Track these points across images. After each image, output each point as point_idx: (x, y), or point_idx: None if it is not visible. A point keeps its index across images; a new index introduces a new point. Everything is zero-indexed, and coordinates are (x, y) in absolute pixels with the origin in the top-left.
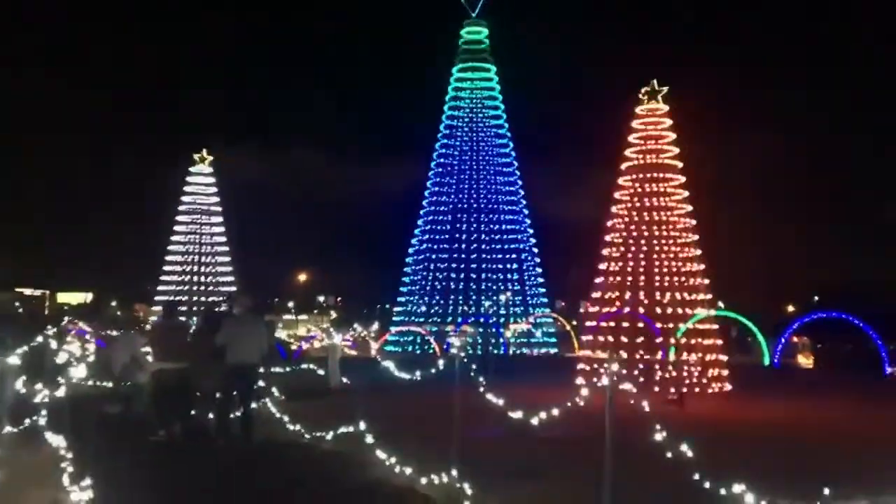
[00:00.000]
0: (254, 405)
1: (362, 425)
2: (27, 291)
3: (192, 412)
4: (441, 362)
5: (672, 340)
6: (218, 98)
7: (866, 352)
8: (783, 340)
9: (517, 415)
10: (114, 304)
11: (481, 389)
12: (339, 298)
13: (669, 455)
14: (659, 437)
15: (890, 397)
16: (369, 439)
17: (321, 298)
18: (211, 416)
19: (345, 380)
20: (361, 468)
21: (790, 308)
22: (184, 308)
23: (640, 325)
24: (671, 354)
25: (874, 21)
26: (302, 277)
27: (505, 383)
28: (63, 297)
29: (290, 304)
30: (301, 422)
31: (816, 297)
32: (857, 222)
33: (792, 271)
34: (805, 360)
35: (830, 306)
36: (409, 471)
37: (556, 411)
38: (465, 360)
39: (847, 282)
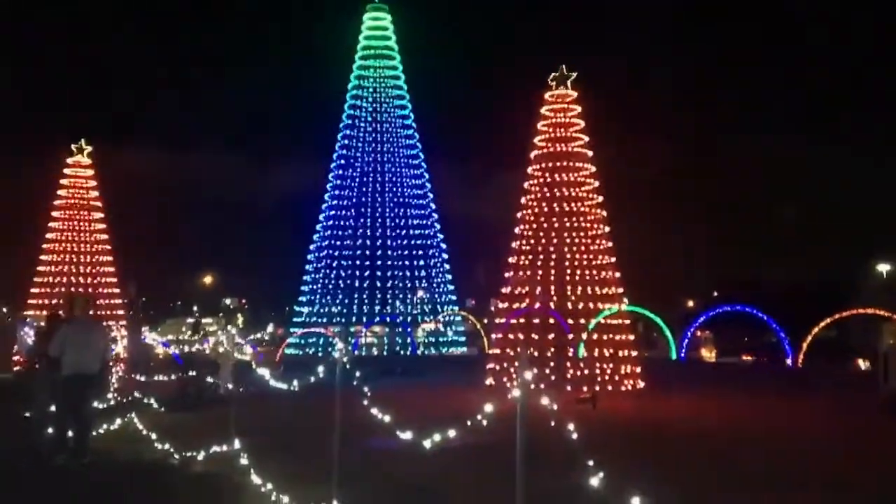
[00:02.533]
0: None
1: (237, 444)
2: None
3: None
4: (321, 369)
5: (583, 336)
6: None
7: (767, 345)
8: (689, 334)
9: (406, 435)
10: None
11: (365, 402)
12: (243, 301)
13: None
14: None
15: (796, 389)
16: (244, 460)
17: (227, 301)
18: (49, 431)
19: (230, 386)
20: (233, 495)
21: (690, 303)
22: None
23: (551, 321)
24: (581, 351)
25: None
26: (207, 280)
27: (411, 386)
28: None
29: (195, 308)
30: (172, 439)
31: (715, 293)
32: (754, 220)
33: (691, 267)
34: (708, 354)
35: (729, 301)
36: (286, 500)
37: (451, 432)
38: (348, 365)
39: (744, 278)
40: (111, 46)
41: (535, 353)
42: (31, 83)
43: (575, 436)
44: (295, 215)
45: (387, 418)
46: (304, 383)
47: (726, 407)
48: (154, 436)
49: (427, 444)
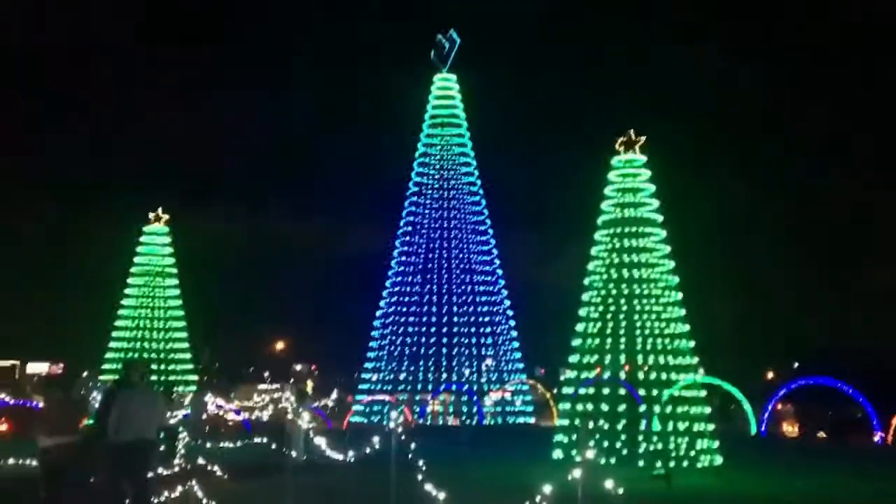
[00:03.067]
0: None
1: None
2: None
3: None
4: (376, 439)
5: (656, 409)
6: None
7: (852, 419)
8: (769, 408)
9: None
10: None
11: (420, 477)
12: (313, 367)
13: None
14: None
15: (885, 465)
16: None
17: (297, 367)
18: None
19: (330, 454)
20: None
21: (770, 374)
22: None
23: (622, 391)
24: (655, 424)
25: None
26: (279, 346)
27: (473, 457)
28: (32, 368)
29: (266, 374)
30: None
31: (796, 364)
32: (834, 285)
33: (769, 335)
34: (790, 429)
35: (810, 373)
36: None
37: None
38: (403, 437)
39: (825, 347)
40: (188, 113)
41: (606, 426)
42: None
43: None
44: (363, 282)
45: (441, 496)
46: (360, 454)
47: (810, 486)
48: None
49: None
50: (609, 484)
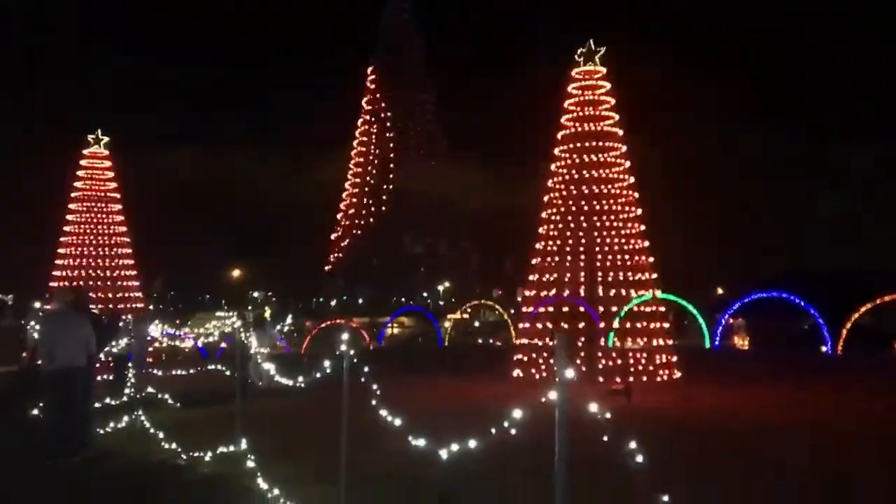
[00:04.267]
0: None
1: (243, 444)
2: None
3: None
4: (327, 363)
5: (615, 325)
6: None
7: (801, 331)
8: (723, 321)
9: (419, 442)
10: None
11: (373, 402)
12: (270, 293)
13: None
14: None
15: (837, 377)
16: (250, 463)
17: (255, 294)
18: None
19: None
20: (237, 500)
21: (719, 290)
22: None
23: (581, 309)
24: (612, 340)
25: None
26: (235, 273)
27: (432, 378)
28: None
29: (223, 302)
30: (181, 438)
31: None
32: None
33: (720, 253)
34: (741, 342)
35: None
36: None
37: (472, 442)
38: (356, 360)
39: (776, 265)
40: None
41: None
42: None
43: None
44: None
45: (398, 422)
46: (310, 379)
47: (768, 398)
48: (161, 434)
49: (444, 453)
50: (593, 407)
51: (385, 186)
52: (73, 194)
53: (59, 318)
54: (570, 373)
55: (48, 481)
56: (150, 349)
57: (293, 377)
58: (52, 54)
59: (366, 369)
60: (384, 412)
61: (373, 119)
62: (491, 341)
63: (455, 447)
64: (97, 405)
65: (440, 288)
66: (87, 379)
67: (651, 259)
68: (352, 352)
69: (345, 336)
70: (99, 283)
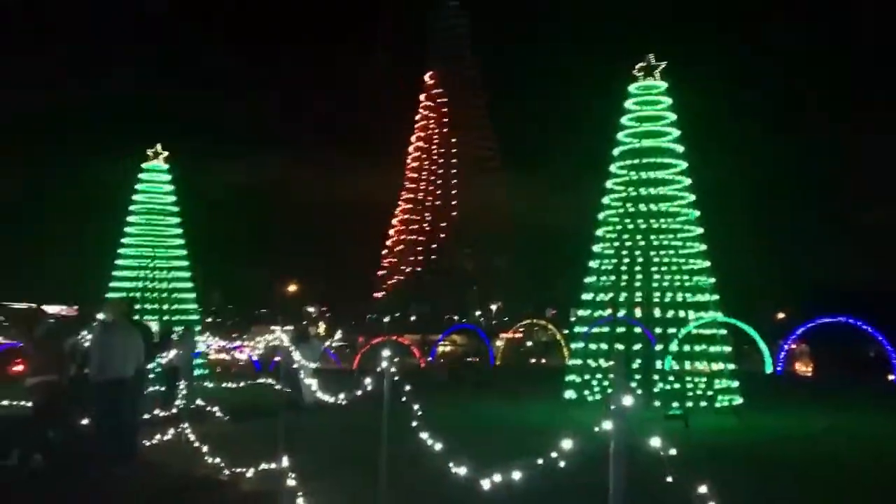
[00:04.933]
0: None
1: (285, 461)
2: (15, 305)
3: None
4: (368, 381)
5: (673, 347)
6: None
7: (867, 358)
8: (786, 347)
9: (460, 470)
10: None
11: (414, 424)
12: (324, 308)
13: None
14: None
15: None
16: (291, 481)
17: (310, 309)
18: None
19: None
20: None
21: (780, 315)
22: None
23: (637, 330)
24: (669, 363)
25: None
26: (291, 288)
27: (482, 398)
28: (48, 310)
29: (279, 317)
30: (225, 452)
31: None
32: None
33: (780, 275)
34: (804, 368)
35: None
36: None
37: (516, 474)
38: (397, 378)
39: (834, 289)
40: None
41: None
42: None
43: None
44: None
45: (438, 446)
46: (351, 396)
47: (834, 427)
48: (206, 448)
49: (486, 483)
50: (655, 442)
51: (439, 202)
52: (131, 207)
53: (109, 328)
54: (628, 400)
55: (91, 492)
56: (201, 361)
57: (335, 394)
58: (114, 68)
59: (407, 388)
60: (424, 434)
61: (428, 133)
62: (543, 361)
63: (498, 478)
64: (146, 416)
65: (493, 307)
66: (136, 390)
67: (712, 280)
68: (393, 369)
69: (385, 353)
70: (155, 295)
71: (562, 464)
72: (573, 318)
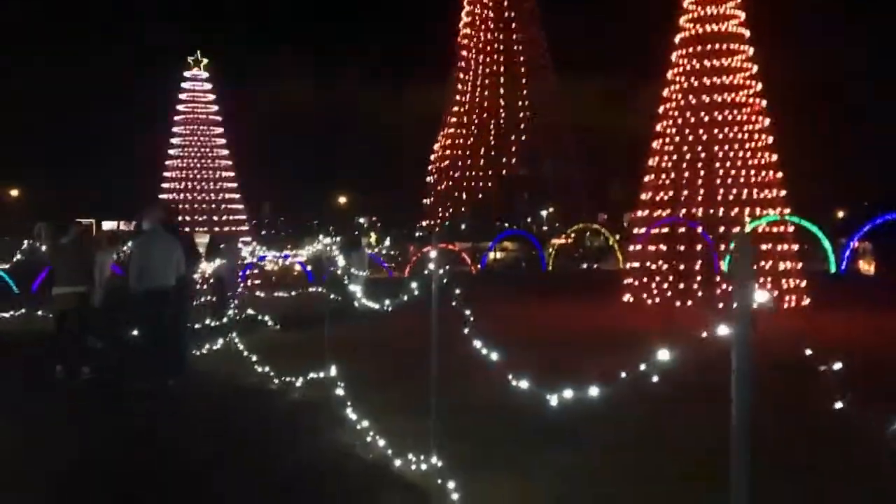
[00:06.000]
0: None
1: (332, 370)
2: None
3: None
4: (414, 285)
5: (732, 247)
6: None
7: None
8: (851, 245)
9: (521, 383)
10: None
11: (466, 331)
12: (374, 218)
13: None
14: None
15: None
16: (339, 391)
17: (361, 220)
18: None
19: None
20: (328, 428)
21: (840, 213)
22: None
23: (700, 229)
24: (725, 265)
25: None
26: (342, 200)
27: (536, 303)
28: (106, 226)
29: (331, 228)
30: (274, 361)
31: (866, 203)
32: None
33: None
34: (866, 267)
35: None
36: (381, 443)
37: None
38: (446, 281)
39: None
40: None
41: (681, 267)
42: None
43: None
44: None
45: (494, 356)
46: (397, 302)
47: None
48: (255, 357)
49: (553, 399)
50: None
51: (487, 105)
52: (176, 118)
53: (148, 237)
54: (762, 296)
55: (140, 402)
56: (249, 271)
57: (382, 300)
58: None
59: (457, 291)
60: (478, 343)
61: (474, 33)
62: (596, 266)
63: (569, 393)
64: (197, 326)
65: (543, 213)
66: (181, 300)
67: (780, 175)
68: (441, 271)
69: (433, 254)
70: (203, 206)
71: (654, 378)
72: (626, 223)
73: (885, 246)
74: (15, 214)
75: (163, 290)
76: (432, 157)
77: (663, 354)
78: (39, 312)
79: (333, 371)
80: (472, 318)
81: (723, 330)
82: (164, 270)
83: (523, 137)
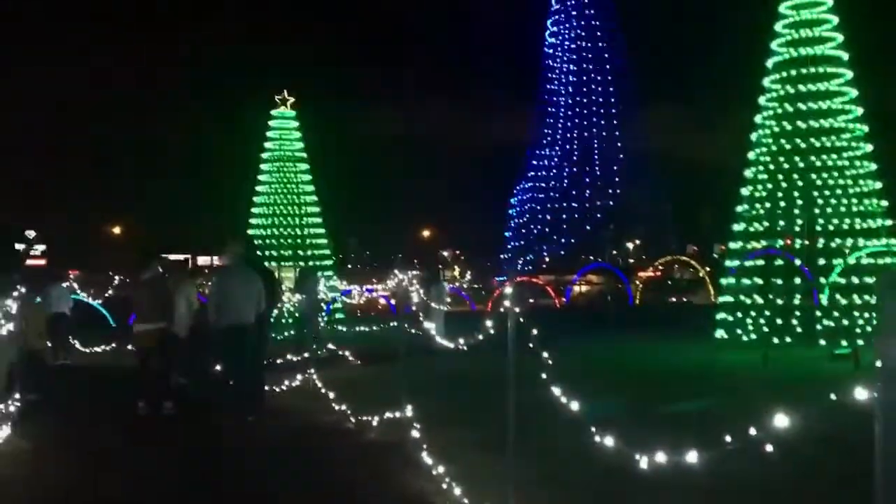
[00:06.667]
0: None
1: (408, 412)
2: (171, 256)
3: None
4: (489, 323)
5: (834, 279)
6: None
7: None
8: None
9: (606, 440)
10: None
11: (544, 376)
12: (458, 252)
13: None
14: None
15: None
16: (415, 433)
17: (445, 253)
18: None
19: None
20: (404, 472)
21: None
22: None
23: (797, 261)
24: (825, 297)
25: None
26: (426, 233)
27: (623, 340)
28: (201, 261)
29: (416, 261)
30: (351, 399)
31: None
32: None
33: None
34: None
35: None
36: (457, 492)
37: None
38: (522, 320)
39: None
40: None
41: (779, 302)
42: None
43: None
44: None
45: (574, 406)
46: (472, 342)
47: None
48: (332, 395)
49: (643, 463)
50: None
51: (572, 135)
52: (263, 155)
53: (228, 272)
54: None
55: (218, 438)
56: (338, 306)
57: (456, 338)
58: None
59: (534, 332)
60: (557, 389)
61: (559, 65)
62: (684, 300)
63: (662, 458)
64: (279, 362)
65: (629, 244)
66: (261, 337)
67: (884, 203)
68: (517, 309)
69: (508, 290)
70: (289, 241)
71: (768, 447)
72: (716, 255)
73: None
74: (118, 250)
75: (242, 326)
76: (516, 189)
77: (780, 421)
78: (129, 347)
79: (409, 411)
80: (549, 362)
81: (861, 393)
82: (244, 306)
83: (613, 167)
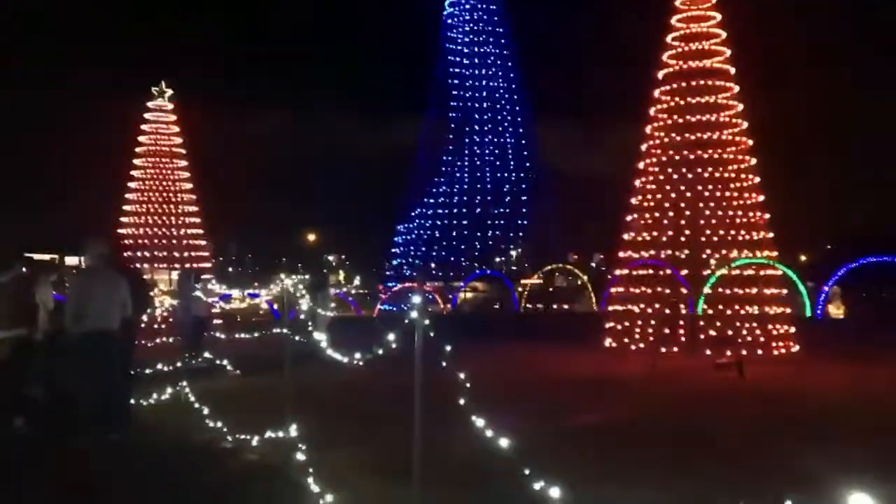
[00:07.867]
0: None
1: (293, 430)
2: (36, 256)
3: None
4: (392, 337)
5: (707, 290)
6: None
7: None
8: (826, 289)
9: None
10: None
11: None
12: (343, 256)
13: None
14: None
15: None
16: (300, 455)
17: (330, 258)
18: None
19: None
20: (285, 501)
21: (802, 257)
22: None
23: (684, 272)
24: (700, 307)
25: None
26: (310, 237)
27: (518, 348)
28: (69, 261)
29: (299, 265)
30: (228, 414)
31: (829, 246)
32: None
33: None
34: (835, 311)
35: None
36: None
37: None
38: (432, 333)
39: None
40: None
41: (667, 311)
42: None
43: None
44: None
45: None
46: (370, 356)
47: None
48: (206, 410)
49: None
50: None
51: (465, 143)
52: (137, 149)
53: (87, 275)
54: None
55: (78, 460)
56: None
57: (351, 351)
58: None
59: (447, 348)
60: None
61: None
62: (566, 307)
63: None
64: (147, 372)
65: (513, 253)
66: (126, 344)
67: (767, 216)
68: (426, 321)
69: (416, 299)
70: (164, 241)
71: None
72: (594, 263)
73: (853, 289)
74: None
75: (103, 332)
76: (405, 196)
77: None
78: None
79: (294, 430)
80: (468, 385)
81: None
82: (106, 311)
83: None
